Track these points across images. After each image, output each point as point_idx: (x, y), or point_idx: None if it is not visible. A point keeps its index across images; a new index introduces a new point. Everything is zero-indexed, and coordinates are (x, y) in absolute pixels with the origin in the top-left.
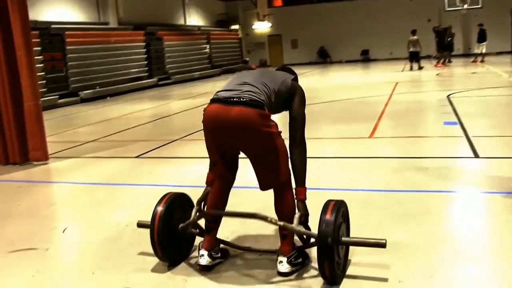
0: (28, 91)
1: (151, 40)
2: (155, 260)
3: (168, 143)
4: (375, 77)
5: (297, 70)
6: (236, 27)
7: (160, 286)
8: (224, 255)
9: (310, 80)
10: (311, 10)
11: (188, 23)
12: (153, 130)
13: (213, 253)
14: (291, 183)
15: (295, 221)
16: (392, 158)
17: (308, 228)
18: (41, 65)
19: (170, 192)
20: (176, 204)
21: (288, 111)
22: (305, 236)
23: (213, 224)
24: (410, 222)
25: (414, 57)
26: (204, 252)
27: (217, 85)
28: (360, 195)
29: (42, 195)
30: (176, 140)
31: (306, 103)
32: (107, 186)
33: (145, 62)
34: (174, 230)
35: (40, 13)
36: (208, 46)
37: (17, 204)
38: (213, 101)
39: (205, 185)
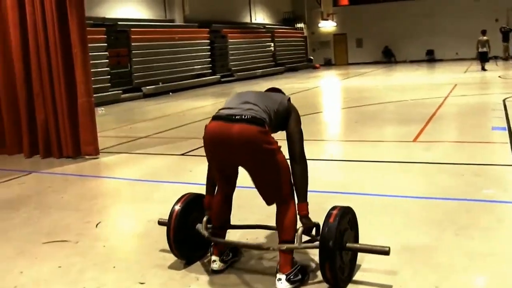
0: (82, 87)
1: (216, 37)
2: (174, 258)
3: None
4: (436, 78)
5: (361, 69)
6: (301, 25)
7: (172, 282)
8: (236, 254)
9: (371, 80)
10: (376, 9)
11: (253, 21)
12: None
13: (224, 257)
14: (293, 196)
15: (297, 239)
16: (429, 163)
17: (318, 227)
18: (107, 60)
19: (189, 193)
20: (193, 204)
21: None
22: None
23: (221, 231)
24: (431, 229)
25: (484, 58)
26: (215, 258)
27: (279, 83)
28: (386, 200)
29: (85, 189)
30: None
31: (358, 104)
32: (148, 183)
33: (209, 59)
34: (191, 230)
35: (109, 11)
36: (272, 44)
37: (60, 196)
38: (214, 118)
39: (206, 210)
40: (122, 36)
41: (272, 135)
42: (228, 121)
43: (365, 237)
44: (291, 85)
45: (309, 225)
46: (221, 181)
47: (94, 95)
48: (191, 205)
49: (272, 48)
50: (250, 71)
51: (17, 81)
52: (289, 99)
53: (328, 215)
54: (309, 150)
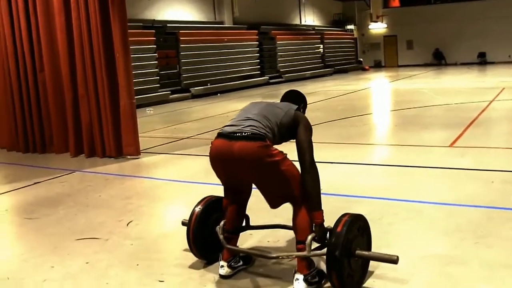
0: (124, 90)
1: (264, 39)
2: (196, 258)
3: None
4: (485, 81)
5: (411, 71)
6: (351, 27)
7: (190, 281)
8: (247, 262)
9: (419, 82)
10: (427, 11)
11: (303, 22)
12: None
13: (232, 263)
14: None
15: (307, 248)
16: (461, 169)
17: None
18: (156, 62)
19: (210, 195)
20: (214, 206)
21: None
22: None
23: (233, 235)
24: (451, 237)
25: None
26: (223, 263)
27: (327, 85)
28: (411, 206)
29: (122, 188)
30: None
31: (403, 107)
32: (184, 183)
33: (257, 60)
34: (211, 231)
35: (159, 13)
36: (321, 45)
37: (98, 195)
38: (218, 135)
39: (224, 210)
40: (171, 38)
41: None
42: (229, 138)
43: (383, 243)
44: (338, 86)
45: (321, 233)
46: (232, 193)
47: (144, 96)
48: (211, 207)
49: (321, 50)
50: (298, 73)
51: (64, 84)
52: (297, 108)
53: (336, 224)
54: (343, 153)
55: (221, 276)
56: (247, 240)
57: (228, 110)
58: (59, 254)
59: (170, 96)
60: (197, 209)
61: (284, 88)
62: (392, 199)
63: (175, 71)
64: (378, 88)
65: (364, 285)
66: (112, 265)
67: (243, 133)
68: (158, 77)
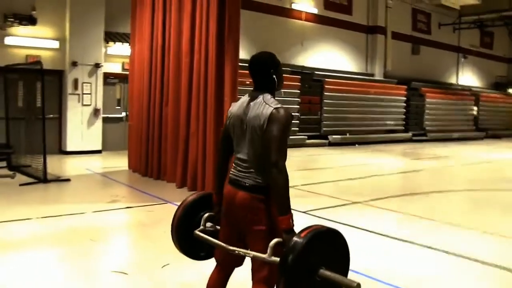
0: None
1: (413, 95)
2: None
3: (350, 203)
4: None
5: None
6: None
7: None
8: None
9: None
10: None
11: (459, 82)
12: (358, 186)
13: None
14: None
15: (269, 250)
16: None
17: None
18: (298, 106)
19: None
20: (206, 202)
21: None
22: None
23: None
24: None
25: None
26: None
27: (467, 149)
28: None
29: None
30: (360, 202)
31: None
32: None
33: (402, 116)
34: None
35: (309, 59)
36: (475, 107)
37: (163, 231)
38: (228, 181)
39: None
40: (316, 85)
41: None
42: (235, 186)
43: None
44: (479, 153)
45: (288, 242)
46: (221, 261)
47: None
48: (204, 200)
49: (475, 112)
50: (445, 133)
51: (181, 119)
52: (272, 112)
53: (302, 230)
54: (423, 233)
55: None
56: None
57: (359, 163)
58: (87, 284)
59: (307, 141)
60: (189, 198)
61: (427, 147)
62: None
63: (316, 117)
64: None
65: None
66: None
67: (246, 183)
68: (298, 121)
